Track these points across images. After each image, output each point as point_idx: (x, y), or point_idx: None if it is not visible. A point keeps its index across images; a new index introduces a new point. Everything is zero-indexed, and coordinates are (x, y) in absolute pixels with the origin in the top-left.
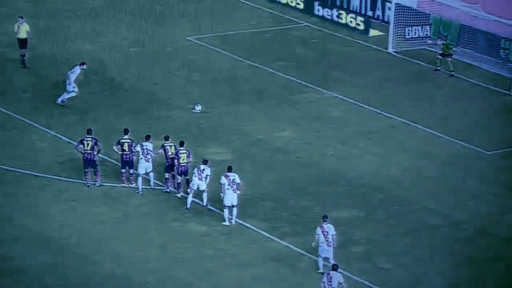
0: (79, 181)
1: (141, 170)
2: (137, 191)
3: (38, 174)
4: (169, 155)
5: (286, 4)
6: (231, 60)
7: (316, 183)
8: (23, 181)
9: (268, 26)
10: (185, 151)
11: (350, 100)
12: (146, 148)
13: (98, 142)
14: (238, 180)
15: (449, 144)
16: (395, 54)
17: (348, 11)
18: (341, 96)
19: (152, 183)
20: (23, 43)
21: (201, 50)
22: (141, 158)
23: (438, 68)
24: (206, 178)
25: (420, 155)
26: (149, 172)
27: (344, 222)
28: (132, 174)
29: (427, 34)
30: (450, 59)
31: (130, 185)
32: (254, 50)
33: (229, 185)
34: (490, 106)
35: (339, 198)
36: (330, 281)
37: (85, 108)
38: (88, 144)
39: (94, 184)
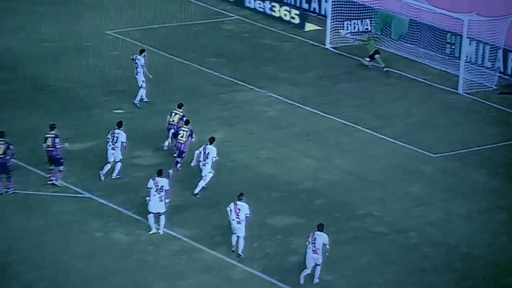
0: None
1: (109, 158)
2: (116, 174)
3: None
4: (170, 120)
5: None
6: (157, 55)
7: (251, 189)
8: None
9: (196, 19)
10: (187, 129)
11: (286, 100)
12: (116, 137)
13: (11, 146)
14: (167, 187)
15: (393, 146)
16: (333, 49)
17: (282, 3)
18: (276, 95)
19: (115, 174)
20: None
21: (123, 45)
22: (109, 145)
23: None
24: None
25: (362, 158)
26: (117, 161)
27: (281, 230)
28: (59, 171)
29: (367, 28)
30: (378, 55)
31: (55, 182)
32: (182, 45)
33: (156, 191)
34: (436, 106)
35: (275, 204)
36: (314, 242)
37: None
38: (0, 148)
39: (7, 192)
